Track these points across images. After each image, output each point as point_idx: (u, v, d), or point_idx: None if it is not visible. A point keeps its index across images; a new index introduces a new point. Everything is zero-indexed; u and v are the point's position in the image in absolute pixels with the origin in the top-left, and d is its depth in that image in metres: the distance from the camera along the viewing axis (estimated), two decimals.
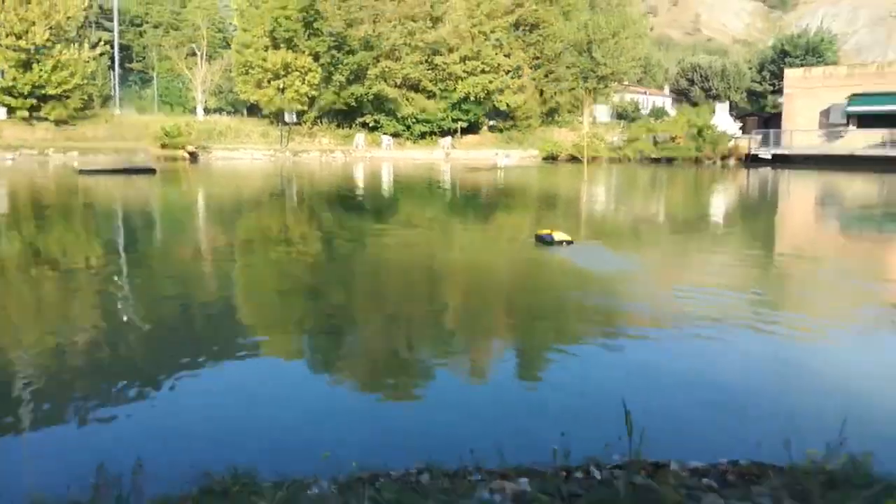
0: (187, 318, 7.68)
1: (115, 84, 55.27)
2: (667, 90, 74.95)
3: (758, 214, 20.95)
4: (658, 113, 60.08)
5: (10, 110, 42.44)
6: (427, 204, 22.20)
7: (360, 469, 2.92)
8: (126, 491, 2.61)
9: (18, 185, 25.69)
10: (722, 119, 50.57)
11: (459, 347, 6.68)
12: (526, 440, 3.94)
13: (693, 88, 70.15)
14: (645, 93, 70.94)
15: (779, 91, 56.22)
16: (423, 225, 16.71)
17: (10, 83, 41.38)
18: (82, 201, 20.89)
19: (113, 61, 53.71)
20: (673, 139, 48.13)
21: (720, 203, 23.90)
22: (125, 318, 7.52)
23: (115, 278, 9.69)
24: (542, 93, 55.90)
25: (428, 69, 50.79)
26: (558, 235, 12.06)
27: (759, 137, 47.04)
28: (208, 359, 6.02)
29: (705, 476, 2.92)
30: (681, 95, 72.06)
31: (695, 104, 61.00)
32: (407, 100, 50.22)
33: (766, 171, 39.32)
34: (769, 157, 43.99)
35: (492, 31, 51.09)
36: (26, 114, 42.34)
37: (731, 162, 45.66)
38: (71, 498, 2.65)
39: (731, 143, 47.12)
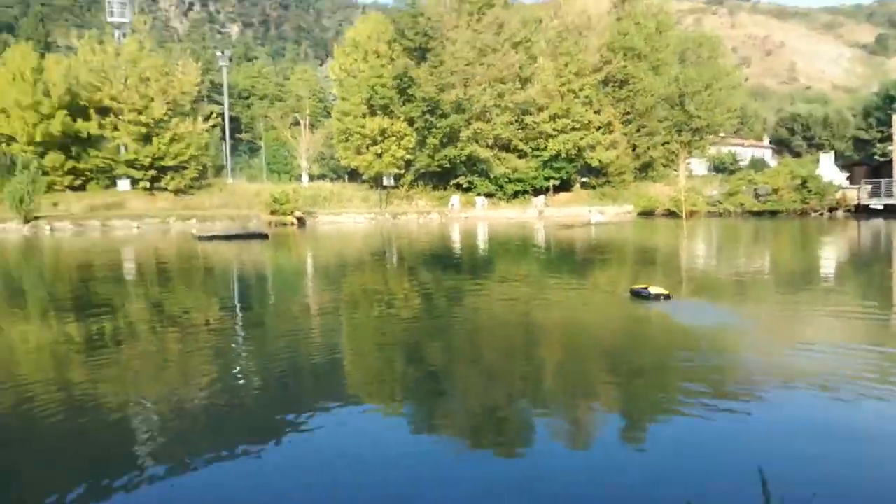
0: (296, 375, 8.14)
1: (226, 154, 59.41)
2: (766, 141, 72.63)
3: (871, 267, 19.72)
4: (758, 164, 58.16)
5: (134, 182, 46.44)
6: (521, 261, 22.37)
7: None
8: None
9: (144, 251, 27.93)
10: (827, 169, 48.35)
11: (561, 407, 6.66)
12: (636, 480, 3.94)
13: (794, 138, 67.73)
14: (743, 144, 68.99)
15: (888, 138, 53.39)
16: (517, 281, 16.87)
17: (133, 156, 45.39)
18: (202, 265, 22.44)
19: (224, 132, 57.95)
20: (775, 191, 46.31)
21: (830, 256, 22.70)
22: (239, 375, 8.04)
23: (234, 336, 10.42)
24: (634, 147, 55.50)
25: (518, 129, 51.75)
26: (654, 289, 11.86)
27: (870, 187, 44.55)
28: (314, 416, 6.32)
29: None
30: (781, 146, 69.62)
31: (797, 154, 58.77)
32: (499, 160, 51.16)
33: (878, 223, 37.00)
34: (881, 207, 41.53)
35: (580, 89, 51.60)
36: (148, 185, 46.14)
37: (840, 214, 43.37)
38: None
39: (839, 194, 44.83)
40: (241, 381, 7.66)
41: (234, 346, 9.70)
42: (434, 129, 49.08)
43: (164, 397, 6.94)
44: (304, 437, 5.77)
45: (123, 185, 46.90)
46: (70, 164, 45.61)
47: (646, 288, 12.03)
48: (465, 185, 51.66)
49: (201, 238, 31.78)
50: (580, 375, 7.85)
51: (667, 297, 11.66)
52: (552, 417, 6.27)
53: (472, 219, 47.16)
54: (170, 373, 8.22)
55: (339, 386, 7.55)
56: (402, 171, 51.20)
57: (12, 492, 4.82)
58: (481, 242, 31.26)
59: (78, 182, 46.54)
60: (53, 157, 44.45)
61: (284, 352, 9.18)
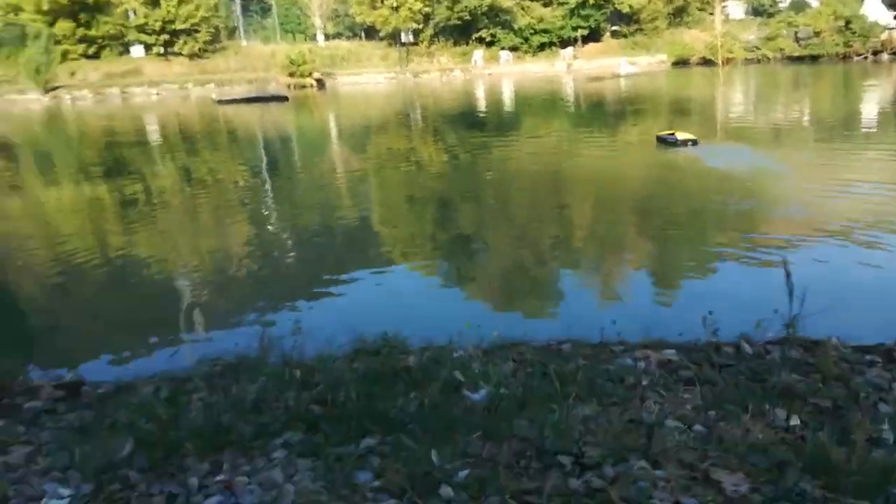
0: (329, 237, 8.05)
1: (238, 15, 57.16)
2: None
3: None
4: (799, 5, 54.02)
5: (147, 48, 45.37)
6: (549, 116, 21.63)
7: (501, 338, 3.00)
8: (288, 348, 2.87)
9: (166, 116, 27.59)
10: (873, 8, 44.65)
11: (592, 263, 6.45)
12: (672, 324, 3.80)
13: None
14: None
15: None
16: (544, 137, 16.37)
17: (142, 20, 44.11)
18: (225, 128, 22.13)
19: None
20: (817, 34, 43.26)
21: (873, 101, 21.44)
22: (273, 238, 7.98)
23: (264, 199, 10.32)
24: None
25: None
26: (682, 135, 11.43)
27: None
28: (347, 278, 6.17)
29: (868, 353, 2.73)
30: None
31: None
32: (522, 9, 48.29)
33: None
34: None
35: None
36: (161, 50, 45.09)
37: (885, 57, 40.58)
38: (239, 353, 2.93)
39: (885, 35, 41.66)
40: (275, 244, 7.60)
41: (264, 209, 9.61)
42: None
43: (199, 258, 6.95)
44: (336, 300, 5.61)
45: (137, 51, 45.84)
46: (81, 31, 44.39)
47: (672, 133, 11.59)
48: (487, 39, 49.21)
49: (221, 102, 31.29)
50: (610, 229, 7.61)
51: (694, 142, 11.26)
52: (583, 275, 6.06)
53: (496, 75, 45.35)
54: (203, 235, 8.21)
55: (370, 248, 7.40)
56: (421, 27, 48.71)
57: (56, 345, 4.91)
58: (507, 99, 30.22)
59: (92, 50, 45.50)
60: (63, 25, 43.24)
61: (315, 214, 9.08)
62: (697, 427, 2.13)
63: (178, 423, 2.34)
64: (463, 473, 1.90)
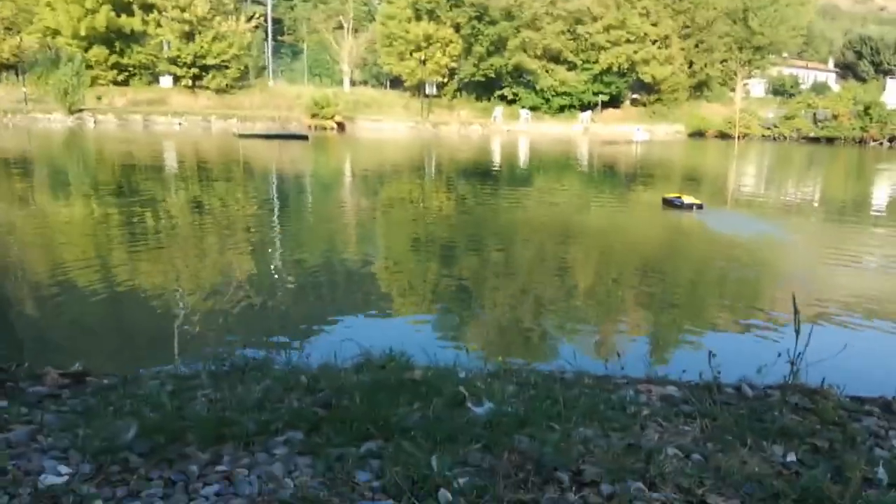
0: (330, 277, 8.04)
1: (268, 56, 58.61)
2: (831, 64, 68.51)
3: None
4: (820, 89, 55.10)
5: (176, 79, 46.51)
6: (560, 175, 21.90)
7: (505, 363, 3.03)
8: (294, 357, 2.90)
9: (187, 146, 28.10)
10: (894, 96, 45.51)
11: (589, 326, 6.37)
12: (673, 368, 3.81)
13: (861, 62, 63.72)
14: (806, 66, 65.23)
15: None
16: (554, 193, 16.57)
17: (175, 53, 45.33)
18: (242, 162, 22.49)
19: (266, 34, 57.00)
20: (835, 117, 43.98)
21: (885, 187, 21.61)
22: (274, 273, 7.98)
23: (271, 234, 10.45)
24: (690, 64, 52.80)
25: (570, 39, 49.51)
26: (687, 199, 11.63)
27: None
28: (341, 320, 6.04)
29: (866, 404, 2.75)
30: (847, 70, 65.67)
31: (862, 80, 55.41)
32: (547, 71, 49.35)
33: None
34: None
35: None
36: (190, 83, 46.20)
37: None
38: (245, 357, 2.97)
39: None
40: (275, 279, 7.62)
41: (270, 244, 9.70)
42: (481, 37, 47.40)
43: (199, 290, 6.94)
44: (327, 340, 5.59)
45: (166, 81, 46.98)
46: (114, 58, 45.66)
47: (679, 197, 11.82)
48: (509, 97, 50.21)
49: (242, 136, 31.85)
50: (611, 291, 7.61)
51: (699, 206, 11.47)
52: (580, 335, 6.02)
53: (514, 132, 46.11)
54: (206, 267, 8.26)
55: (370, 291, 7.39)
56: (446, 80, 49.88)
57: (63, 343, 4.94)
58: (522, 156, 30.64)
59: (121, 77, 46.68)
60: (97, 52, 44.51)
61: (320, 254, 9.13)
62: (696, 456, 2.15)
63: (181, 413, 2.37)
64: (462, 480, 1.91)
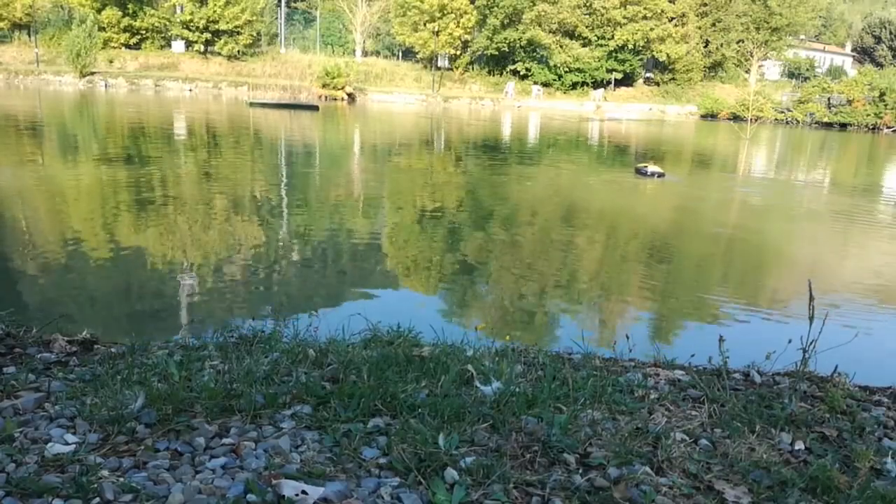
0: (335, 252, 8.06)
1: (281, 22, 58.04)
2: (848, 48, 67.39)
3: None
4: (835, 73, 54.29)
5: (188, 44, 46.16)
6: (570, 152, 21.77)
7: (513, 343, 3.02)
8: (302, 330, 2.90)
9: (197, 114, 27.99)
10: None
11: (591, 308, 6.40)
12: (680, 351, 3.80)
13: (879, 47, 62.64)
14: (823, 49, 64.18)
15: None
16: (560, 168, 16.49)
17: (188, 17, 44.93)
18: (253, 130, 22.42)
19: (279, 0, 56.40)
20: (850, 102, 43.39)
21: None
22: (280, 247, 8.01)
23: (278, 206, 10.43)
24: (706, 44, 52.08)
25: (585, 14, 48.84)
26: (651, 168, 13.50)
27: None
28: (345, 295, 6.18)
29: (876, 394, 2.73)
30: (864, 55, 64.62)
31: (879, 65, 54.52)
32: (561, 46, 48.75)
33: None
34: None
35: None
36: (202, 48, 45.87)
37: None
38: (253, 328, 2.97)
39: None
40: (284, 251, 7.63)
41: (279, 215, 9.68)
42: (496, 9, 46.79)
43: (206, 260, 6.95)
44: (334, 313, 5.58)
45: (178, 46, 46.67)
46: (126, 21, 45.33)
47: (645, 166, 13.71)
48: (521, 72, 49.71)
49: (252, 104, 31.76)
50: (619, 269, 7.65)
51: (661, 175, 13.21)
52: (580, 315, 5.99)
53: (525, 108, 45.72)
54: (214, 237, 8.24)
55: (377, 265, 7.43)
56: (458, 53, 49.36)
57: (71, 310, 4.96)
58: (531, 135, 30.42)
59: (133, 41, 46.40)
60: (110, 14, 44.20)
61: (328, 226, 9.11)
62: (703, 441, 2.15)
63: (189, 384, 2.38)
64: (469, 459, 1.91)
